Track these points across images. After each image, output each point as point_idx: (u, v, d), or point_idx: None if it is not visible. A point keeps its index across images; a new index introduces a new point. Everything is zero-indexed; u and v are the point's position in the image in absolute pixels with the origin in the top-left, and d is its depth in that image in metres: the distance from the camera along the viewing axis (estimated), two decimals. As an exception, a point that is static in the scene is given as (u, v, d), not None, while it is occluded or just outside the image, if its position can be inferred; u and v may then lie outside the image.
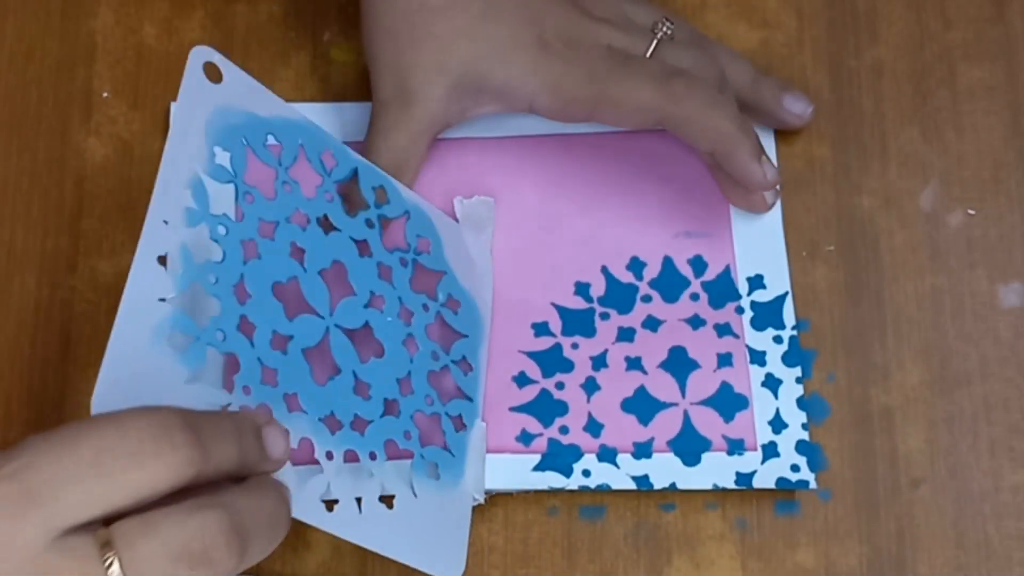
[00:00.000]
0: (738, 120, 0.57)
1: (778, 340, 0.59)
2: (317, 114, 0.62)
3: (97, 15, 0.65)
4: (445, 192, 0.61)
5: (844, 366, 0.60)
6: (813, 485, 0.57)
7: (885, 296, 0.61)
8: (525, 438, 0.58)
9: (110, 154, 0.63)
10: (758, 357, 0.59)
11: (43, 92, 0.64)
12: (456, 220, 0.60)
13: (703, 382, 0.59)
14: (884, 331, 0.60)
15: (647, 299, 0.60)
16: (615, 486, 0.57)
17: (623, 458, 0.58)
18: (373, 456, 0.53)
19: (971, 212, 0.62)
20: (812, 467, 0.58)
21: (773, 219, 0.61)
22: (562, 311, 0.60)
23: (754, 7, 0.65)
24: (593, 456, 0.58)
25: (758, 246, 0.61)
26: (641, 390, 0.59)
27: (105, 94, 0.63)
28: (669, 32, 0.59)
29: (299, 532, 0.57)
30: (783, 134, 0.63)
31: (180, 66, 0.64)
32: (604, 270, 0.60)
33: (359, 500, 0.52)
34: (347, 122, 0.62)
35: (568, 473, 0.57)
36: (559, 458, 0.58)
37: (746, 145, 0.57)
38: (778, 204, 0.61)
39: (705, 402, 0.58)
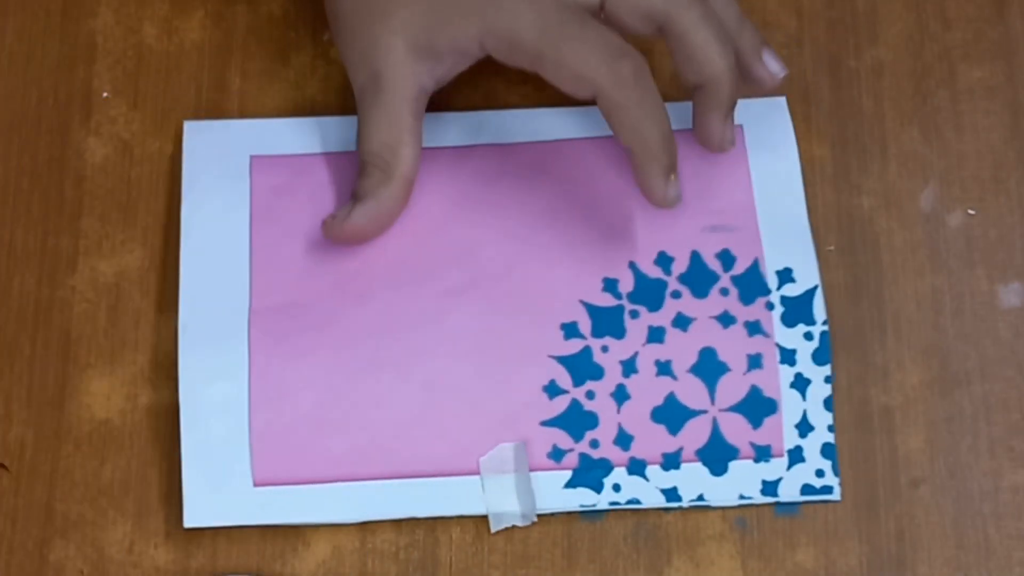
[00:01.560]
0: (666, 132, 0.56)
1: (808, 336, 0.59)
2: (326, 128, 0.62)
3: (97, 15, 0.65)
4: (462, 200, 0.61)
5: (844, 366, 0.60)
6: (837, 493, 0.57)
7: (885, 296, 0.61)
8: (556, 454, 0.57)
9: (110, 154, 0.63)
10: (788, 356, 0.59)
11: (43, 92, 0.63)
12: None
13: (733, 386, 0.58)
14: (884, 331, 0.60)
15: (677, 295, 0.59)
16: (645, 501, 0.57)
17: (652, 470, 0.57)
18: None
19: (971, 212, 0.62)
20: (837, 470, 0.58)
21: (798, 212, 0.61)
22: (591, 309, 0.59)
23: (754, 7, 0.65)
24: (623, 469, 0.57)
25: (785, 239, 0.60)
26: (671, 397, 0.58)
27: (105, 94, 0.63)
28: None
29: (299, 532, 0.57)
30: (783, 134, 0.63)
31: (180, 66, 0.64)
32: (632, 265, 0.60)
33: None
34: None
35: (599, 489, 0.57)
36: (590, 473, 0.57)
37: (661, 161, 0.56)
38: (803, 201, 0.61)
39: (734, 408, 0.58)
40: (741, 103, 0.62)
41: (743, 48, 0.59)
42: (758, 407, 0.58)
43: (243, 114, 0.63)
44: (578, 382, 0.58)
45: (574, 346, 0.59)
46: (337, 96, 0.64)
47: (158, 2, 0.65)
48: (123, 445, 0.58)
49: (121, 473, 0.58)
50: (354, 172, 0.60)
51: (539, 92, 0.63)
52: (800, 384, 0.58)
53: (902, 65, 0.64)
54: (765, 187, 0.61)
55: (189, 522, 0.56)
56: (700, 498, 0.57)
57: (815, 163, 0.63)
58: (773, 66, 0.59)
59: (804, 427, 0.58)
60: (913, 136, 0.63)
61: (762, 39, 0.60)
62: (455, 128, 0.62)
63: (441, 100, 0.62)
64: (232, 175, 0.61)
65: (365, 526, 0.57)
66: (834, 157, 0.63)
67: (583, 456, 0.57)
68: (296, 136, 0.62)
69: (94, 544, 0.57)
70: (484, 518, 0.57)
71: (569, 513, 0.58)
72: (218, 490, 0.56)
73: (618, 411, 0.58)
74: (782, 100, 0.63)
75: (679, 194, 0.57)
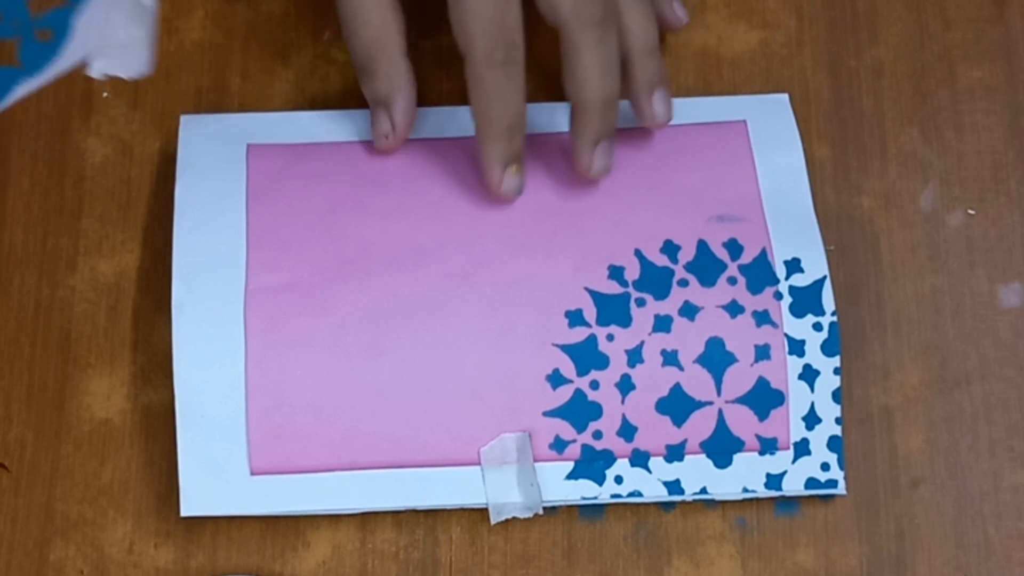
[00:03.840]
0: (608, 96, 0.57)
1: (818, 327, 0.58)
2: (324, 121, 0.62)
3: (97, 15, 0.65)
4: (466, 187, 0.60)
5: (844, 366, 0.60)
6: (842, 487, 0.57)
7: (885, 296, 0.61)
8: (559, 445, 0.57)
9: (110, 154, 0.63)
10: (797, 347, 0.58)
11: (43, 92, 0.63)
12: None
13: (739, 378, 0.58)
14: (884, 331, 0.60)
15: (684, 283, 0.59)
16: (647, 494, 0.57)
17: (655, 462, 0.57)
18: None
19: (971, 212, 0.62)
20: (842, 464, 0.57)
21: (805, 204, 0.60)
22: (596, 296, 0.58)
23: (754, 7, 0.65)
24: (626, 461, 0.57)
25: (792, 230, 0.60)
26: (676, 388, 0.58)
27: (105, 94, 0.63)
28: None
29: (299, 532, 0.57)
30: (783, 134, 0.63)
31: (180, 66, 0.64)
32: (638, 253, 0.59)
33: None
34: (363, 129, 0.62)
35: (601, 480, 0.57)
36: (592, 465, 0.57)
37: (592, 125, 0.57)
38: (808, 194, 0.61)
39: (740, 400, 0.58)
40: (743, 100, 0.63)
41: (637, 79, 0.59)
42: (765, 399, 0.58)
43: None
44: (582, 371, 0.58)
45: (579, 334, 0.58)
46: (337, 96, 0.64)
47: (158, 2, 0.65)
48: (123, 445, 0.58)
49: (121, 473, 0.58)
50: (353, 162, 0.60)
51: (539, 92, 0.63)
52: (808, 375, 0.58)
53: (902, 65, 0.64)
54: (771, 179, 0.61)
55: (186, 511, 0.56)
56: (703, 491, 0.57)
57: (815, 163, 0.63)
58: (659, 108, 0.60)
59: (811, 419, 0.58)
60: (913, 136, 0.63)
61: (663, 77, 0.60)
62: (460, 121, 0.62)
63: (444, 96, 0.63)
64: (228, 160, 0.60)
65: (365, 525, 0.57)
66: (834, 157, 0.63)
67: (585, 447, 0.57)
68: (293, 128, 0.62)
69: (94, 544, 0.57)
70: (485, 516, 0.58)
71: (569, 512, 0.58)
72: (215, 479, 0.56)
73: (622, 402, 0.57)
74: (784, 97, 0.63)
75: (606, 166, 0.58)
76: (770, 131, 0.62)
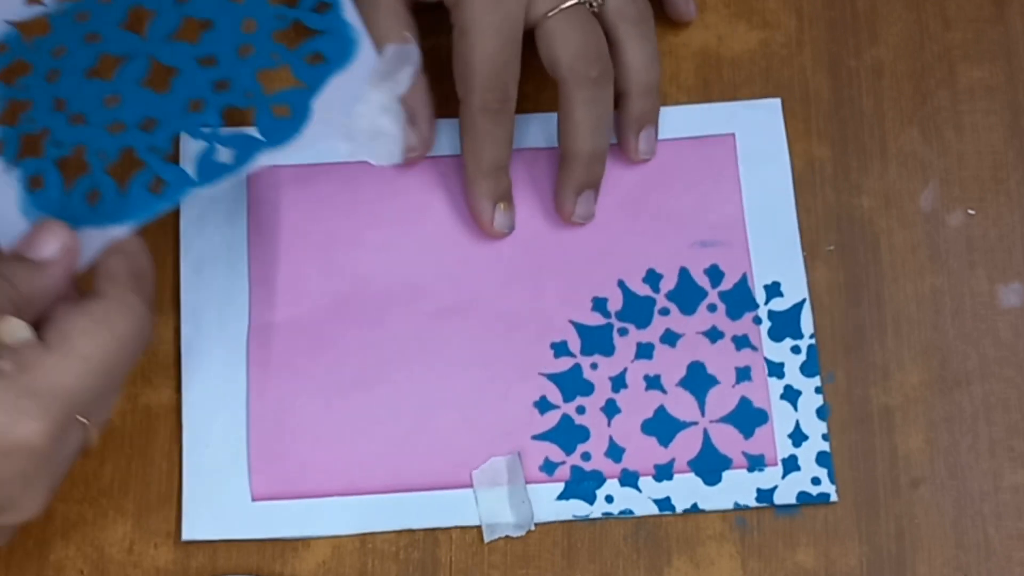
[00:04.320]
0: (597, 150, 0.59)
1: (796, 350, 0.59)
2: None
3: (97, 15, 0.65)
4: (460, 225, 0.61)
5: (844, 366, 0.60)
6: (835, 499, 0.57)
7: (885, 296, 0.61)
8: (548, 467, 0.58)
9: (110, 154, 0.63)
10: (776, 369, 0.59)
11: (43, 92, 0.63)
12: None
13: (722, 399, 0.59)
14: (884, 331, 0.60)
15: (665, 312, 0.60)
16: (638, 511, 0.57)
17: (645, 481, 0.58)
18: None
19: (971, 212, 0.62)
20: (833, 478, 0.58)
21: (789, 222, 0.61)
22: (580, 328, 0.60)
23: (754, 7, 0.65)
24: (615, 481, 0.58)
25: (774, 252, 0.61)
26: (661, 410, 0.59)
27: (105, 94, 0.63)
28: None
29: (299, 532, 0.57)
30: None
31: (180, 66, 0.64)
32: (621, 284, 0.60)
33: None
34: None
35: (591, 500, 0.58)
36: (582, 485, 0.58)
37: (578, 177, 0.60)
38: (793, 211, 0.61)
39: (724, 419, 0.58)
40: (733, 108, 0.63)
41: (629, 113, 0.61)
42: (749, 417, 0.58)
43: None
44: (568, 398, 0.59)
45: (564, 364, 0.59)
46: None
47: (158, 2, 0.65)
48: (123, 445, 0.58)
49: (121, 473, 0.58)
50: (351, 189, 0.61)
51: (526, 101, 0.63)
52: (790, 395, 0.59)
53: (902, 65, 0.64)
54: (756, 198, 0.61)
55: (188, 535, 0.57)
56: (694, 507, 0.57)
57: (815, 163, 0.63)
58: (644, 145, 0.61)
59: (797, 436, 0.58)
60: (913, 136, 0.63)
61: (655, 116, 0.62)
62: (449, 134, 0.62)
63: (445, 95, 0.63)
64: (229, 189, 0.61)
65: (365, 526, 0.58)
66: (834, 157, 0.63)
67: (575, 468, 0.58)
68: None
69: (94, 544, 0.57)
70: (484, 518, 0.58)
71: (569, 513, 0.58)
72: (217, 504, 0.57)
73: (609, 424, 0.58)
74: (776, 102, 0.63)
75: (588, 212, 0.60)
76: (758, 143, 0.62)
